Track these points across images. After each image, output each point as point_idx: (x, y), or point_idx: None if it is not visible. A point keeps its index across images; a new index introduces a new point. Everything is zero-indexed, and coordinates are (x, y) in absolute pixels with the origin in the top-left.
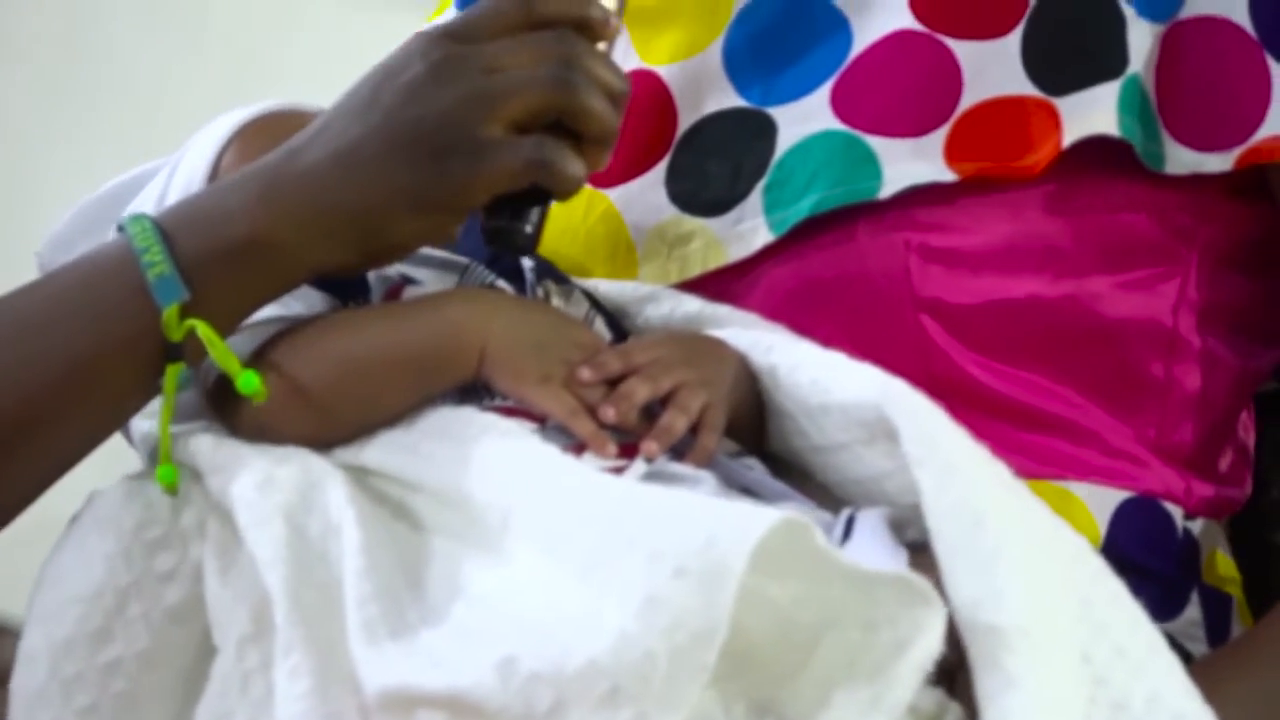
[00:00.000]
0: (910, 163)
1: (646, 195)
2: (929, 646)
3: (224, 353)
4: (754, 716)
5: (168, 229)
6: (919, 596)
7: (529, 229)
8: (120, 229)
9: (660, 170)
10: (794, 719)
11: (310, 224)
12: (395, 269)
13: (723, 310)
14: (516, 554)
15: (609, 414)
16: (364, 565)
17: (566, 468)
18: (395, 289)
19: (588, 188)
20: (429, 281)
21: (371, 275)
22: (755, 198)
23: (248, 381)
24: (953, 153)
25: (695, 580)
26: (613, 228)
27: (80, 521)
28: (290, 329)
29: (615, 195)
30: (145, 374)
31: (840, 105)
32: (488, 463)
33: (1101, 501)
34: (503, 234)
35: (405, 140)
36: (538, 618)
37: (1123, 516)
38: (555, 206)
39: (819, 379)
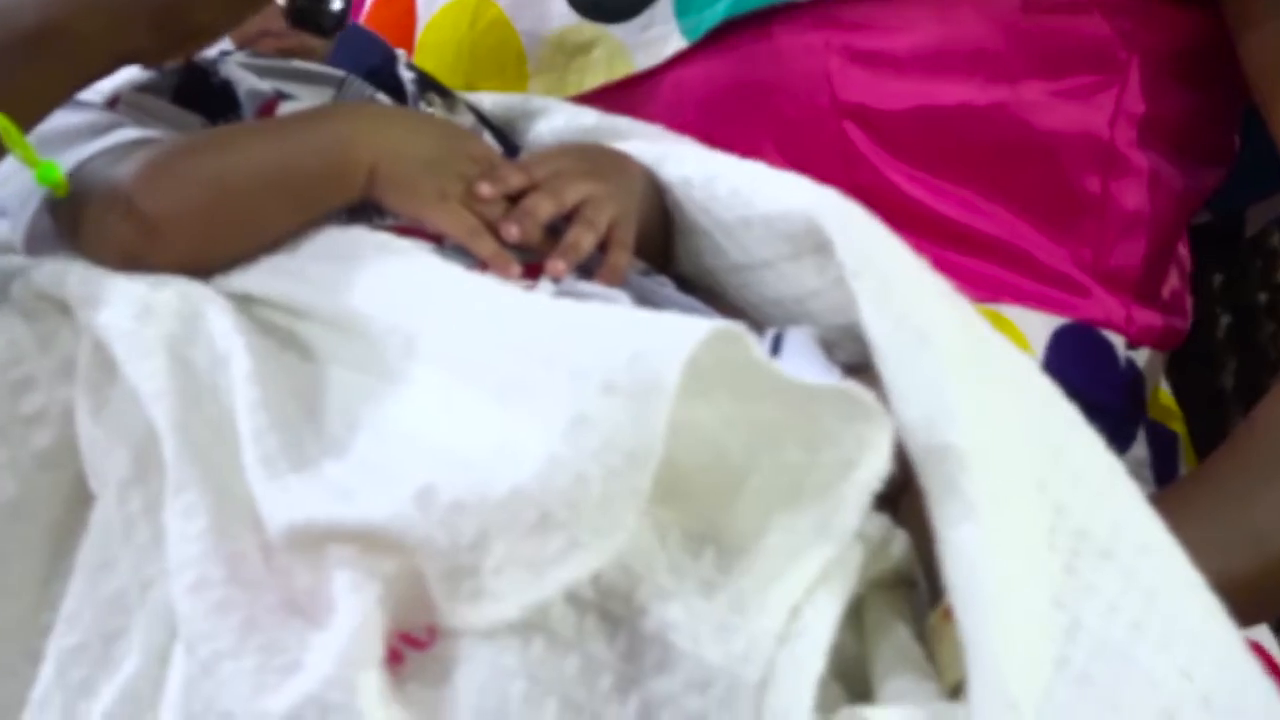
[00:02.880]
0: None
1: (540, 1)
2: (876, 465)
3: (20, 143)
4: (691, 545)
5: None
6: (863, 411)
7: (337, 6)
8: None
9: None
10: (734, 547)
11: (103, 9)
12: (268, 84)
13: (622, 122)
14: (424, 381)
15: (512, 232)
16: (258, 397)
17: (474, 286)
18: (269, 105)
19: None
20: (304, 97)
21: (242, 90)
22: (665, 2)
23: (46, 173)
24: None
25: (625, 396)
26: (502, 37)
27: None
28: (156, 148)
29: (505, 2)
30: None
31: None
32: (386, 285)
33: (1037, 327)
34: (308, 13)
35: None
36: (454, 445)
37: (1060, 344)
38: (439, 15)
39: (739, 190)
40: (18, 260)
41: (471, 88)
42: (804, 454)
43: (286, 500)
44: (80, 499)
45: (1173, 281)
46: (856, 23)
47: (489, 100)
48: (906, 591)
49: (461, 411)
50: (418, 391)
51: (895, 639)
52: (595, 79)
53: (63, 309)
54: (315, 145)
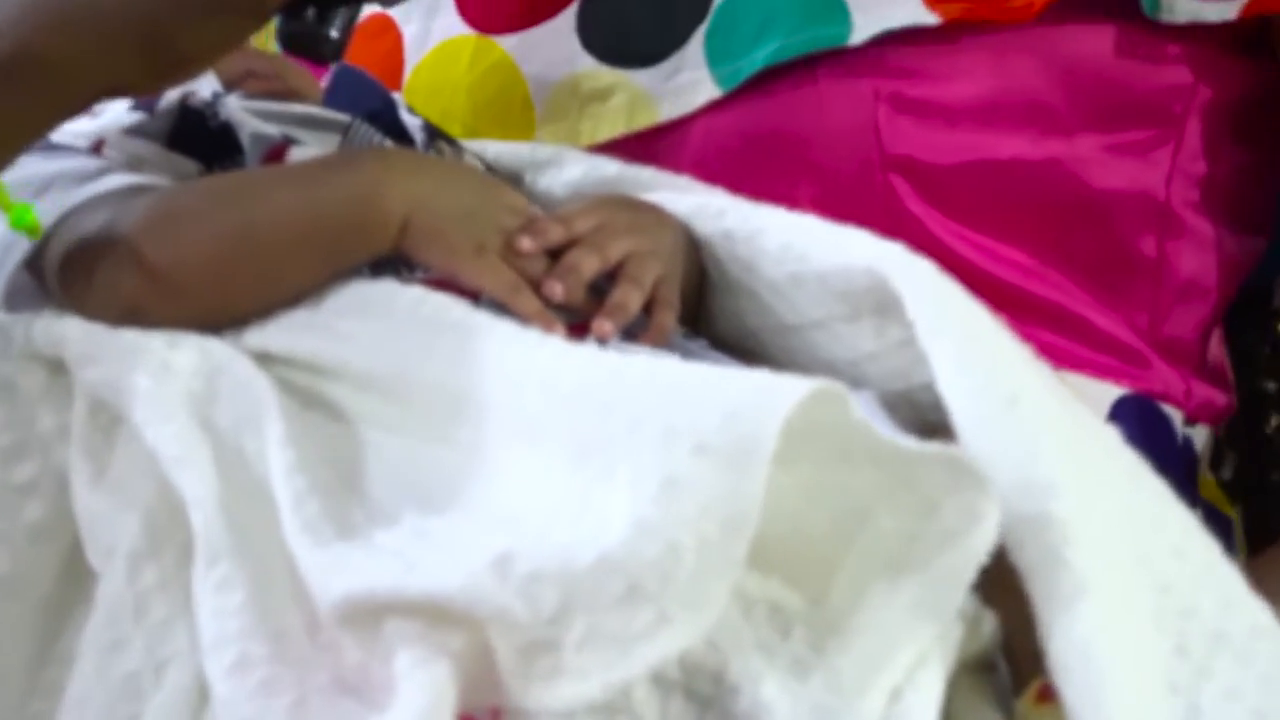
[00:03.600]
0: (883, 3)
1: (552, 43)
2: (984, 538)
3: None
4: (778, 620)
5: None
6: (969, 479)
7: (335, 34)
8: None
9: (570, 14)
10: (825, 623)
11: (86, 35)
12: (275, 129)
13: (647, 173)
14: (483, 444)
15: (556, 290)
16: (294, 459)
17: (532, 343)
18: (277, 150)
19: (473, 34)
20: (311, 143)
21: (245, 134)
22: (695, 46)
23: (20, 216)
24: None
25: (719, 459)
26: (506, 81)
27: None
28: (164, 195)
29: (511, 44)
30: None
31: None
32: (429, 342)
33: (1098, 397)
34: (305, 40)
35: None
36: (527, 511)
37: (1121, 415)
38: (433, 56)
39: (791, 244)
40: None
41: (471, 135)
42: (902, 523)
43: (339, 570)
44: (74, 574)
45: (1219, 353)
46: (907, 70)
47: (493, 149)
48: (989, 673)
49: (532, 475)
50: (476, 455)
51: None
52: (612, 128)
53: (54, 369)
54: (344, 194)
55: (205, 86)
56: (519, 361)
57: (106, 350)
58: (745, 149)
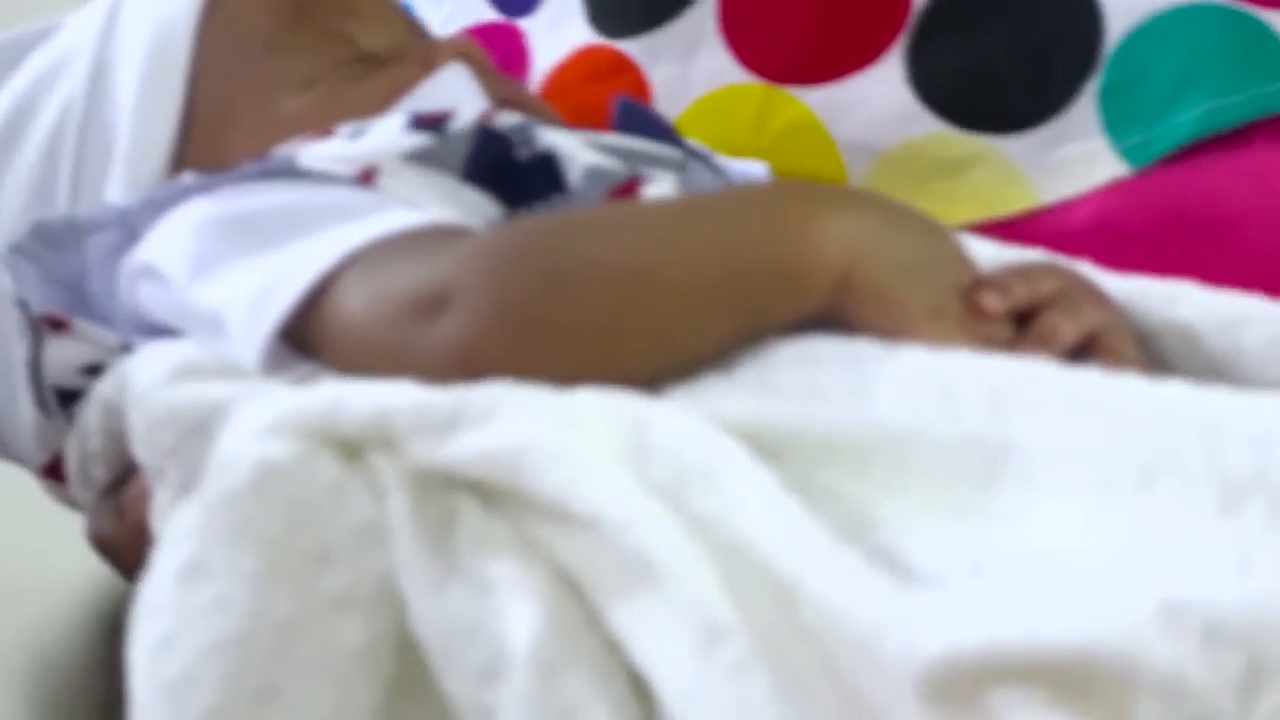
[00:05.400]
0: None
1: (875, 97)
2: None
3: None
4: None
5: None
6: None
7: None
8: None
9: (895, 58)
10: None
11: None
12: (616, 164)
13: (1034, 255)
14: (1039, 504)
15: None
16: (799, 504)
17: (1075, 378)
18: (625, 187)
19: (758, 81)
20: (655, 179)
21: (575, 167)
22: (1085, 107)
23: None
24: None
25: None
26: (809, 146)
27: (182, 528)
28: (508, 230)
29: (815, 98)
30: None
31: None
32: (930, 388)
33: None
34: None
35: None
36: (1165, 562)
37: None
38: (699, 108)
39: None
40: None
41: None
42: None
43: (929, 620)
44: (410, 689)
45: None
46: None
47: None
48: None
49: (1149, 526)
50: (1029, 514)
51: None
52: (970, 211)
53: (350, 452)
54: (766, 238)
55: (468, 105)
56: (1094, 398)
57: (470, 412)
58: (1150, 236)
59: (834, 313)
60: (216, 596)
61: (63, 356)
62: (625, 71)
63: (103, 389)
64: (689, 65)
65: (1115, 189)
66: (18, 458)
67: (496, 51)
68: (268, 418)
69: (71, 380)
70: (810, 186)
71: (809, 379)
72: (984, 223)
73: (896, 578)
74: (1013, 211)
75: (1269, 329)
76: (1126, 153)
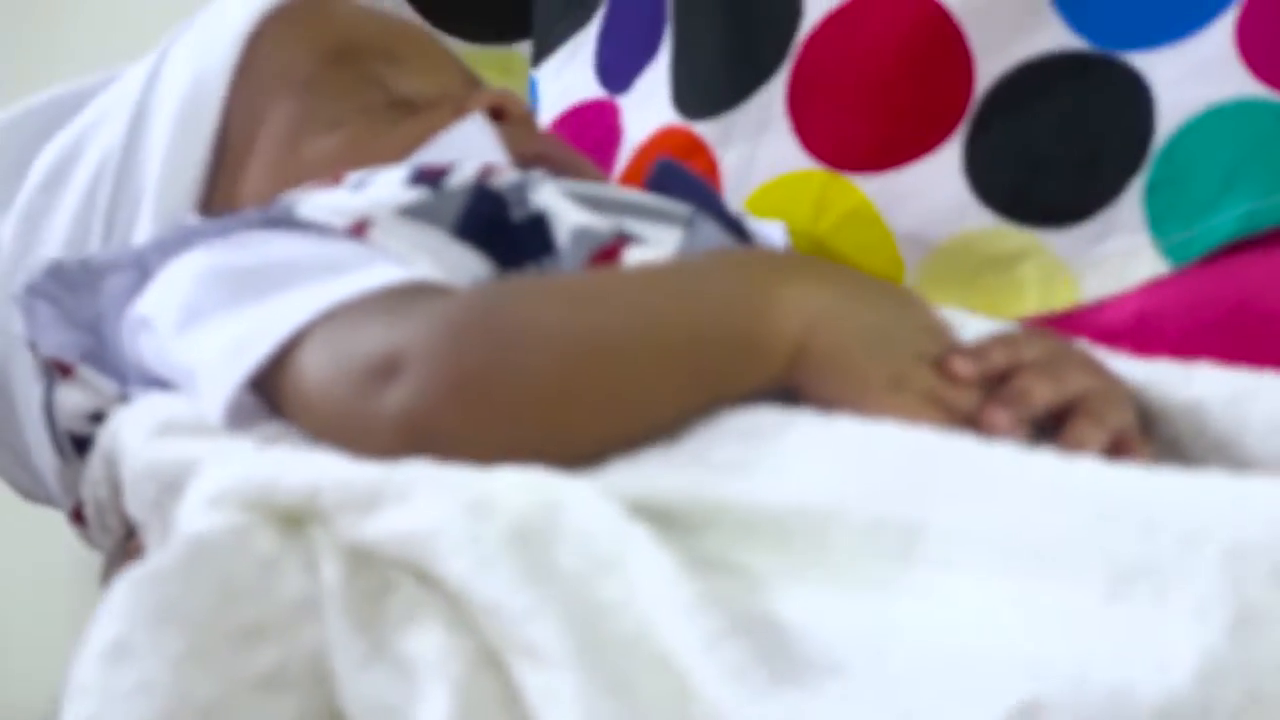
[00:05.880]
0: None
1: (931, 189)
2: None
3: None
4: None
5: None
6: None
7: None
8: None
9: (953, 150)
10: None
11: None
12: (604, 220)
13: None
14: (936, 583)
15: (1000, 420)
16: (693, 596)
17: (994, 456)
18: (608, 251)
19: (821, 168)
20: (650, 237)
21: (563, 228)
22: (1131, 203)
23: None
24: None
25: None
26: (867, 238)
27: (111, 606)
28: (473, 293)
29: (873, 187)
30: None
31: (1253, 52)
32: (854, 464)
33: None
34: None
35: None
36: (1042, 651)
37: None
38: (761, 195)
39: None
40: (194, 450)
41: None
42: None
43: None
44: None
45: None
46: None
47: None
48: None
49: (1038, 609)
50: (937, 594)
51: None
52: (1019, 307)
53: (288, 521)
54: (724, 304)
55: (477, 159)
56: (978, 479)
57: (389, 491)
58: (1193, 333)
59: (794, 383)
60: (140, 679)
61: (72, 402)
62: (698, 153)
63: (103, 440)
64: (756, 148)
65: (1154, 287)
66: (51, 502)
67: (597, 127)
68: (213, 489)
69: (82, 427)
70: (775, 256)
71: (743, 452)
72: (1031, 319)
73: (793, 665)
74: (1057, 308)
75: (1273, 404)
76: (1169, 250)
